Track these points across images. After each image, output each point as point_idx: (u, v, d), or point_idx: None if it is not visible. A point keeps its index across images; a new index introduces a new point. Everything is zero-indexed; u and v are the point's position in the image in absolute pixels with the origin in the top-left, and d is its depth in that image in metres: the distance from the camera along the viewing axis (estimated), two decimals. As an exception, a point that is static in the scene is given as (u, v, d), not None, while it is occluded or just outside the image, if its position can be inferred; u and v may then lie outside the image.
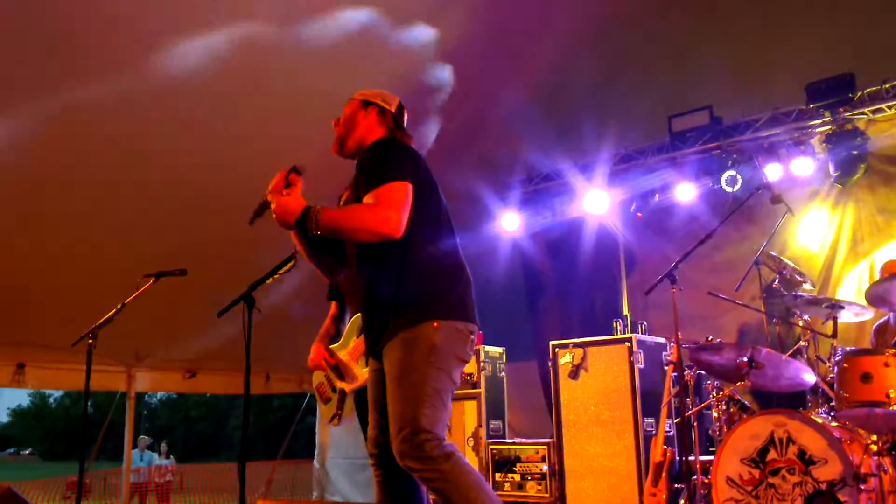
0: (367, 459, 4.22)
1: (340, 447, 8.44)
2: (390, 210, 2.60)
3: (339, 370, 4.11)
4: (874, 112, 6.25)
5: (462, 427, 6.47)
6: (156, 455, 15.10)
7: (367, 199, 2.65)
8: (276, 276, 3.21)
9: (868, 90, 6.19)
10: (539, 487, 6.04)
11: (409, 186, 2.67)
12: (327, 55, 5.83)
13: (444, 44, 6.29)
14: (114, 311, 4.25)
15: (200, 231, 6.41)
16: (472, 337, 2.78)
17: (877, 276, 5.91)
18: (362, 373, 4.00)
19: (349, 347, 4.09)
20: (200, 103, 5.70)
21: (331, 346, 4.19)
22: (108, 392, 8.22)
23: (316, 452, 8.79)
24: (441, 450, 2.54)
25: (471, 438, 6.43)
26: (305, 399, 9.19)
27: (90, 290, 6.13)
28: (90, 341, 4.26)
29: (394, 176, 2.66)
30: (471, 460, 2.89)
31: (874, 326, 5.25)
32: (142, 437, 14.72)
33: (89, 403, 4.52)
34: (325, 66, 5.89)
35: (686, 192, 7.08)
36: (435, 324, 2.67)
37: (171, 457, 15.82)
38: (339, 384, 4.12)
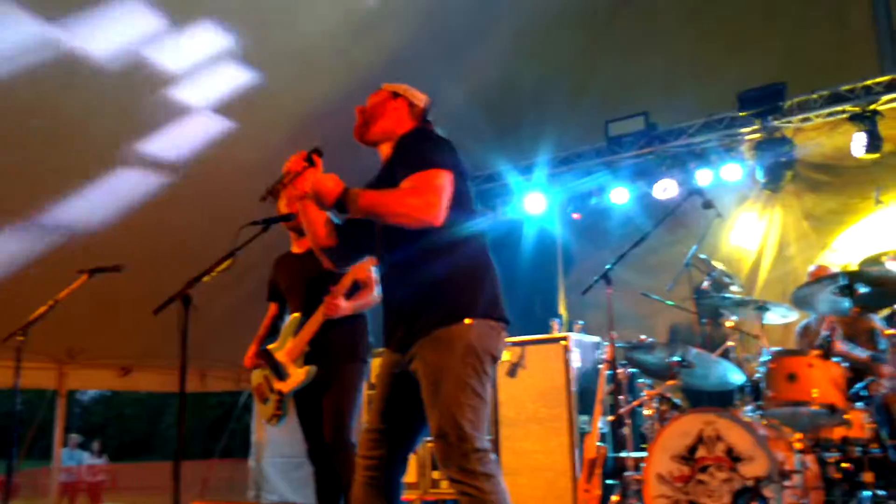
0: (303, 458, 4.24)
1: (277, 446, 8.37)
2: (433, 196, 2.53)
3: (279, 370, 4.09)
4: (802, 121, 6.46)
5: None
6: (87, 454, 14.75)
7: (406, 183, 2.58)
8: (213, 274, 3.18)
9: (797, 99, 6.39)
10: (476, 484, 6.09)
11: (451, 175, 2.60)
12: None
13: (387, 42, 6.30)
14: (46, 307, 4.15)
15: (137, 226, 6.30)
16: (503, 334, 2.72)
17: (802, 280, 6.12)
18: (298, 373, 4.01)
19: (286, 348, 4.08)
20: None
21: (268, 347, 4.18)
22: (39, 390, 8.00)
23: (252, 451, 8.70)
24: (486, 467, 2.48)
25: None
26: (242, 397, 9.09)
27: (22, 285, 5.98)
28: (21, 338, 4.16)
29: (436, 163, 2.59)
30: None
31: (798, 328, 5.44)
32: (72, 435, 14.34)
33: (19, 401, 4.40)
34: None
35: (622, 195, 7.24)
36: (469, 321, 2.59)
37: (104, 455, 15.47)
38: (277, 385, 4.11)
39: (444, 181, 2.57)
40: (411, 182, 2.56)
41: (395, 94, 2.95)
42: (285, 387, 4.05)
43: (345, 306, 3.97)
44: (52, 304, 4.16)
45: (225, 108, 5.99)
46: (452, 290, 2.62)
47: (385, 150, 2.90)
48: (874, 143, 5.96)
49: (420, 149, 2.68)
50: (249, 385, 4.36)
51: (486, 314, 2.64)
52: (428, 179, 2.55)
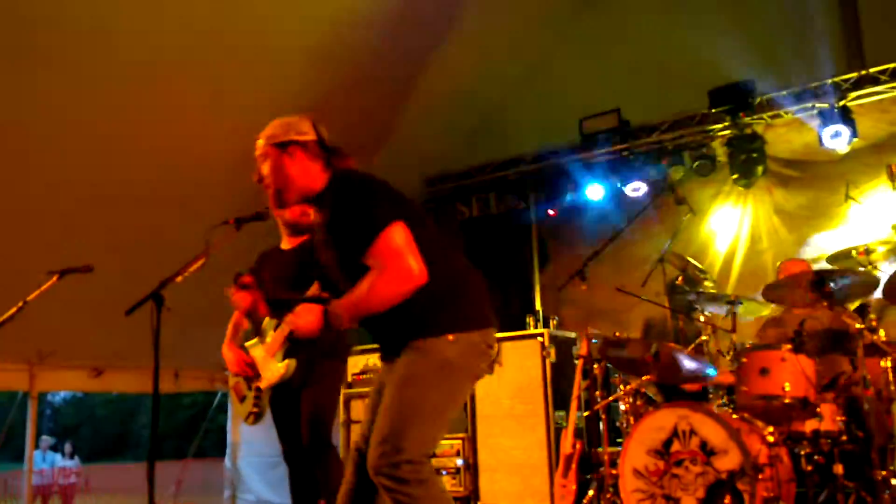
0: (280, 457, 4.21)
1: (253, 445, 8.32)
2: (403, 261, 2.44)
3: (255, 368, 4.05)
4: (772, 117, 6.55)
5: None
6: (59, 456, 14.61)
7: (371, 261, 2.48)
8: (185, 274, 3.16)
9: (767, 96, 6.48)
10: (453, 482, 6.11)
11: (402, 224, 2.49)
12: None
13: (364, 40, 6.29)
14: (15, 309, 4.10)
15: (108, 226, 6.24)
16: (490, 350, 2.63)
17: (773, 274, 6.19)
18: (278, 368, 3.97)
19: (266, 343, 4.04)
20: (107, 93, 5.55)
21: (245, 344, 4.14)
22: (9, 392, 7.91)
23: (228, 451, 8.65)
24: (417, 474, 2.43)
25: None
26: (216, 397, 9.03)
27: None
28: (-11, 340, 4.10)
29: (383, 222, 2.47)
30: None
31: (765, 321, 5.48)
32: (44, 437, 14.20)
33: (-12, 404, 4.35)
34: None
35: (596, 192, 7.29)
36: (451, 337, 2.53)
37: (76, 457, 15.32)
38: (255, 382, 4.07)
39: (402, 236, 2.48)
40: (373, 258, 2.47)
41: (284, 146, 2.72)
42: (264, 383, 4.01)
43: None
44: (22, 306, 4.11)
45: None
46: (428, 312, 2.54)
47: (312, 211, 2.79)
48: (851, 136, 6.07)
49: (357, 214, 2.53)
50: (224, 385, 4.34)
51: (470, 327, 2.59)
52: (387, 247, 2.45)
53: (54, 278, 4.18)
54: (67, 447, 15.14)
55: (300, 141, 2.74)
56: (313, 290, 3.62)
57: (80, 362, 7.73)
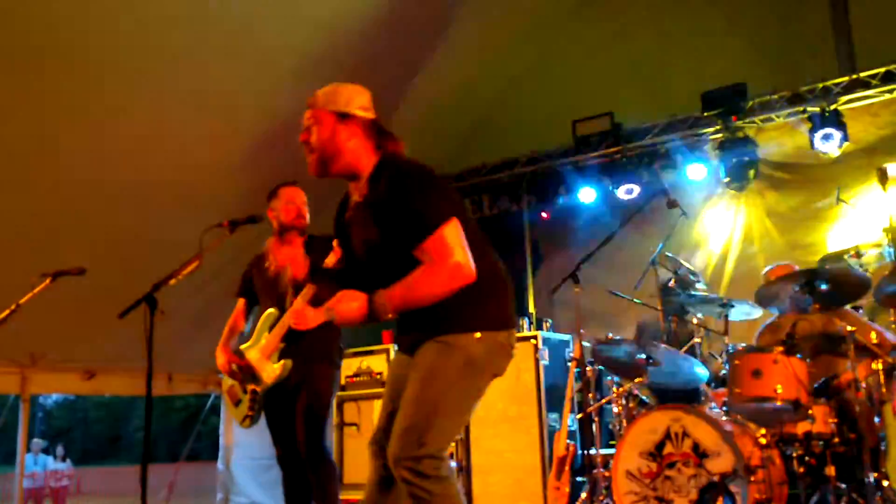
0: (273, 459, 4.21)
1: (246, 448, 8.30)
2: (453, 258, 2.42)
3: (251, 371, 4.04)
4: (764, 121, 6.58)
5: (372, 426, 6.46)
6: (51, 459, 14.59)
7: (421, 255, 2.45)
8: (179, 277, 3.16)
9: (758, 99, 6.50)
10: (446, 484, 6.11)
11: (456, 221, 2.47)
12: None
13: (354, 42, 6.29)
14: (8, 311, 4.09)
15: (101, 228, 6.23)
16: (511, 351, 2.65)
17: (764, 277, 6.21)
18: (274, 369, 3.96)
19: (261, 345, 4.03)
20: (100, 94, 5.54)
21: (240, 347, 4.13)
22: (1, 395, 7.89)
23: (220, 454, 8.63)
24: (437, 470, 2.43)
25: (379, 437, 6.44)
26: (209, 399, 9.01)
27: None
28: (-19, 343, 4.10)
29: (439, 219, 2.44)
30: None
31: (762, 326, 5.49)
32: (35, 440, 14.18)
33: (-20, 407, 4.34)
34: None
35: (589, 195, 7.31)
36: (477, 335, 2.53)
37: (68, 460, 15.30)
38: (250, 385, 4.06)
39: (455, 234, 2.46)
40: (426, 253, 2.45)
41: (343, 116, 2.63)
42: (259, 386, 4.00)
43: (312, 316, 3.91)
44: (14, 308, 4.10)
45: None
46: (458, 306, 2.50)
47: (352, 186, 2.72)
48: (842, 139, 6.11)
49: (414, 207, 2.48)
50: (217, 387, 4.33)
51: (496, 327, 2.59)
52: (441, 243, 2.43)
53: (47, 281, 4.17)
54: (59, 450, 15.12)
55: (361, 118, 2.66)
56: (332, 258, 3.61)
57: (72, 365, 7.71)
